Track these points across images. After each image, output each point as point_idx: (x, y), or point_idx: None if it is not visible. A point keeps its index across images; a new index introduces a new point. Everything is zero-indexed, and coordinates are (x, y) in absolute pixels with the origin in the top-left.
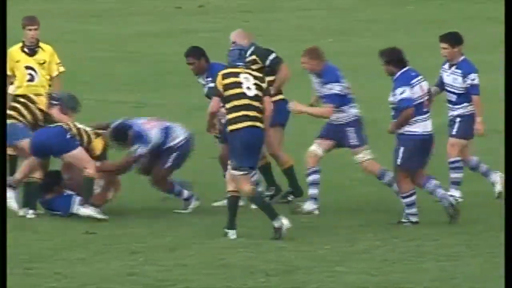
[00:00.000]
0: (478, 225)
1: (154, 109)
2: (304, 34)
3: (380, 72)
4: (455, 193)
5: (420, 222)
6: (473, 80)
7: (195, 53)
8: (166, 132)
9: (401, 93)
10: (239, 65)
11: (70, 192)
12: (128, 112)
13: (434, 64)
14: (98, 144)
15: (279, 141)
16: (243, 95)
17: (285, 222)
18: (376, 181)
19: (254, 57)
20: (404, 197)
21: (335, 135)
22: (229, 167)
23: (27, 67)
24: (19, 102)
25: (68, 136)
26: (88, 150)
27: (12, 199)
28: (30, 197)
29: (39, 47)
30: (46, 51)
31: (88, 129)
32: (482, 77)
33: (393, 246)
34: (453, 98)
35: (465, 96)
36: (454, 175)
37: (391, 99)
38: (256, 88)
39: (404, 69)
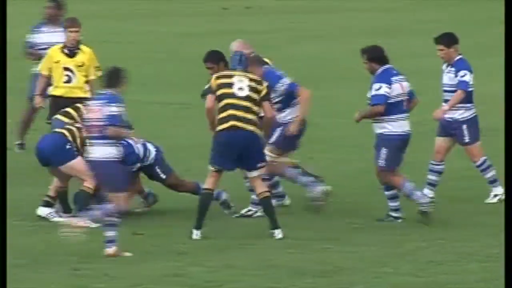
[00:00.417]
0: None
1: (198, 110)
2: (349, 34)
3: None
4: (498, 190)
5: (462, 224)
6: (463, 76)
7: (214, 57)
8: (145, 149)
9: (376, 89)
10: (238, 69)
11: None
12: (173, 113)
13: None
14: None
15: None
16: (232, 95)
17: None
18: (422, 184)
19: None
20: (389, 191)
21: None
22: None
23: (65, 68)
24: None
25: (67, 147)
26: None
27: (52, 214)
28: (80, 203)
29: (79, 49)
30: (85, 54)
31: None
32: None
33: (438, 247)
34: (450, 97)
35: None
36: (489, 174)
37: (368, 95)
38: (250, 90)
39: (385, 66)
